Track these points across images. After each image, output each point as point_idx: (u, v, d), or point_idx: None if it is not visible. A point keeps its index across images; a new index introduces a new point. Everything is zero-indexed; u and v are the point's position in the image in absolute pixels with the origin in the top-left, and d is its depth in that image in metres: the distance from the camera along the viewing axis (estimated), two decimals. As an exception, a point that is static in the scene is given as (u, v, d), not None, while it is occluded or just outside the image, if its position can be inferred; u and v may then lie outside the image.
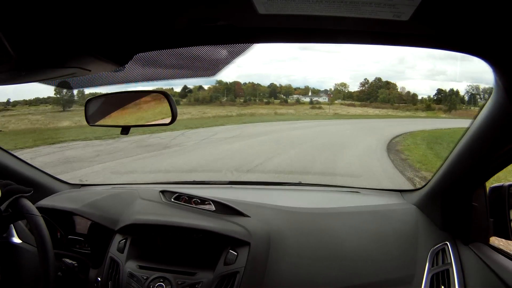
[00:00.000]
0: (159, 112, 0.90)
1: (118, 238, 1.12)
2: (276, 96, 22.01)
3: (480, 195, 0.93)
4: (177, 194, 1.21)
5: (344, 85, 23.92)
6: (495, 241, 0.95)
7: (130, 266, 1.05)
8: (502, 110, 0.64)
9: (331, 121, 15.55)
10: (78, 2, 0.42)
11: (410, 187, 1.39)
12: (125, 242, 1.10)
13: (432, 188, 1.08)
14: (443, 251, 0.98)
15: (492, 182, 0.93)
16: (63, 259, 1.08)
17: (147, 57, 0.64)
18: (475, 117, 0.76)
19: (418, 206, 1.15)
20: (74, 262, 1.08)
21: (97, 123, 0.96)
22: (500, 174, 0.85)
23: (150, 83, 0.85)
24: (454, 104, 20.01)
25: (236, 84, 21.52)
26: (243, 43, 0.60)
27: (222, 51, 0.64)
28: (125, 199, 1.25)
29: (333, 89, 23.25)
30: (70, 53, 0.50)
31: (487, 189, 0.93)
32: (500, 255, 0.87)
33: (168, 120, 0.88)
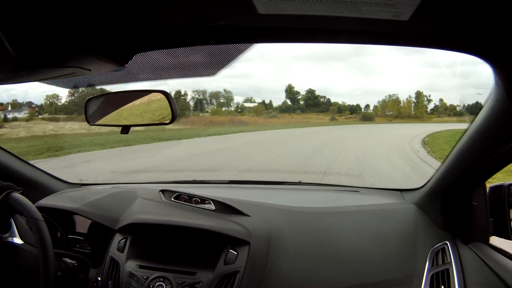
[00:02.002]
0: (159, 112, 0.90)
1: (118, 237, 1.12)
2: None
3: (480, 194, 0.93)
4: (177, 193, 1.21)
5: (56, 96, 19.46)
6: (495, 240, 0.95)
7: (130, 265, 1.05)
8: (502, 110, 0.64)
9: None
10: (78, 2, 0.42)
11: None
12: (125, 242, 1.10)
13: (432, 188, 1.08)
14: (443, 250, 0.98)
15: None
16: (63, 258, 1.08)
17: (147, 57, 0.64)
18: (475, 117, 0.76)
19: (418, 205, 1.16)
20: (74, 262, 1.08)
21: (97, 123, 0.96)
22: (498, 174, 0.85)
23: (150, 82, 0.85)
24: (184, 111, 18.50)
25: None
26: (243, 43, 0.60)
27: (222, 51, 0.64)
28: (125, 198, 1.25)
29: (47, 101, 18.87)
30: (70, 53, 0.50)
31: (487, 188, 0.93)
32: (500, 255, 0.87)
33: (168, 120, 0.88)
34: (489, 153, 0.78)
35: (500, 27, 0.44)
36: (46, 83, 0.69)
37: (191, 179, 1.64)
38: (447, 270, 0.92)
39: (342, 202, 1.27)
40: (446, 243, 0.99)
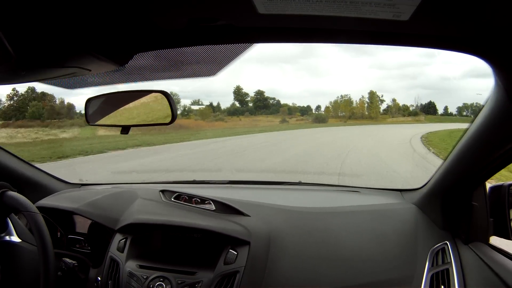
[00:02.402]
0: (159, 112, 0.89)
1: (118, 237, 1.12)
2: None
3: (480, 194, 0.93)
4: (177, 193, 1.21)
5: (-3, 100, 17.43)
6: (495, 240, 0.95)
7: (130, 265, 1.05)
8: (502, 110, 0.64)
9: None
10: (78, 2, 0.42)
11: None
12: (125, 242, 1.10)
13: (432, 188, 1.08)
14: (443, 250, 0.98)
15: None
16: (63, 258, 1.08)
17: (147, 57, 0.64)
18: (475, 117, 0.76)
19: (418, 205, 1.16)
20: (74, 262, 1.08)
21: (97, 123, 0.96)
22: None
23: (150, 82, 0.85)
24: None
25: None
26: (243, 43, 0.60)
27: (222, 51, 0.64)
28: (125, 198, 1.25)
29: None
30: (70, 53, 0.50)
31: (487, 188, 0.93)
32: (500, 255, 0.87)
33: (168, 120, 0.88)
34: (489, 153, 0.78)
35: (500, 27, 0.44)
36: (46, 83, 0.69)
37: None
38: (447, 270, 0.93)
39: (342, 202, 1.27)
40: (446, 243, 0.99)
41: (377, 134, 13.60)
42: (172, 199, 1.20)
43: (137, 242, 1.11)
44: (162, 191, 1.24)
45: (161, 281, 0.99)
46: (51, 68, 0.52)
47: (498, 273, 0.80)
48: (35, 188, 1.36)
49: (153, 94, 0.88)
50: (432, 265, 0.96)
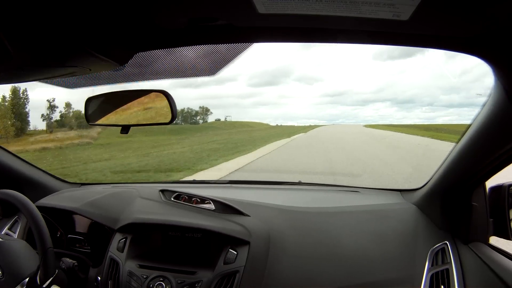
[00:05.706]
0: (159, 111, 0.89)
1: (118, 237, 1.12)
2: None
3: (480, 194, 0.93)
4: (177, 193, 1.21)
5: None
6: (495, 241, 0.95)
7: (130, 265, 1.05)
8: (502, 110, 0.64)
9: None
10: (79, 1, 0.42)
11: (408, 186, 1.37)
12: (125, 241, 1.10)
13: (431, 188, 1.08)
14: (443, 250, 0.98)
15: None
16: (63, 258, 1.08)
17: (147, 56, 0.64)
18: (475, 117, 0.76)
19: (418, 205, 1.15)
20: (74, 262, 1.08)
21: (97, 122, 0.96)
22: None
23: (150, 82, 0.85)
24: None
25: None
26: (243, 43, 0.60)
27: (222, 51, 0.64)
28: (125, 198, 1.26)
29: None
30: (70, 52, 0.50)
31: (487, 189, 0.93)
32: (499, 255, 0.87)
33: (168, 119, 0.88)
34: (489, 154, 0.78)
35: (500, 27, 0.44)
36: (46, 82, 0.69)
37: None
38: (447, 270, 0.92)
39: (342, 202, 1.27)
40: (446, 243, 0.99)
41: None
42: (172, 199, 1.21)
43: (137, 242, 1.11)
44: (162, 191, 1.24)
45: (161, 281, 0.99)
46: (51, 67, 0.52)
47: (498, 273, 0.80)
48: (35, 188, 1.36)
49: (153, 93, 0.88)
50: (432, 265, 0.96)
